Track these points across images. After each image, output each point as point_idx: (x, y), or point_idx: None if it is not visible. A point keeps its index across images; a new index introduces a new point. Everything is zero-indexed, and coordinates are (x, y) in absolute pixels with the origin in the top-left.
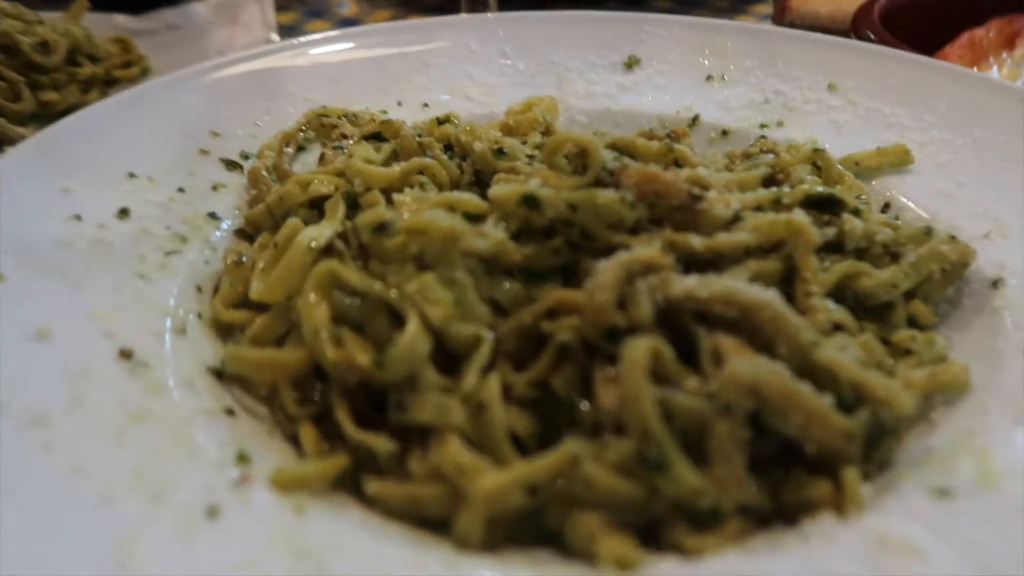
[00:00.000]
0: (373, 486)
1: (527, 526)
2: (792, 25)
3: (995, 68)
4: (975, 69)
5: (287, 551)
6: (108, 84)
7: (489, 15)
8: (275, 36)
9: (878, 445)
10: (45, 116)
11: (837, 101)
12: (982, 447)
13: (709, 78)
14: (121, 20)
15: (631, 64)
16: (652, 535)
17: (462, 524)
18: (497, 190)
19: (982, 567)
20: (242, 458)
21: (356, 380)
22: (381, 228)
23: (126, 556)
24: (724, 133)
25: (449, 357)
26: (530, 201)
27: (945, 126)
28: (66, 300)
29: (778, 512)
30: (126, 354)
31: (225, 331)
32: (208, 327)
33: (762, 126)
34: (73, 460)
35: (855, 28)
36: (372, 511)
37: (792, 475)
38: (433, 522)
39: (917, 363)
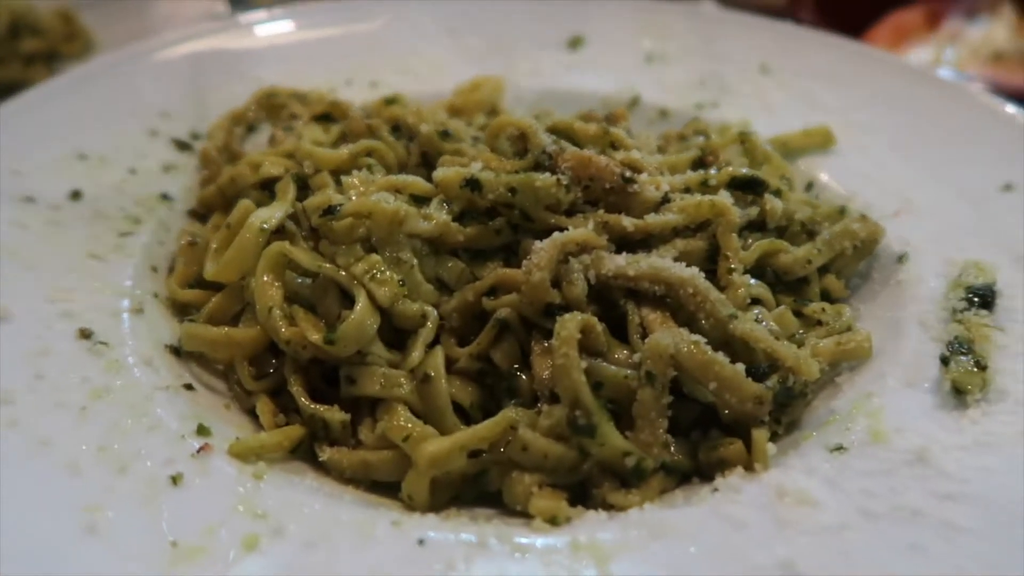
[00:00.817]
0: (326, 454)
1: (470, 488)
2: (732, 4)
3: (918, 49)
4: (899, 50)
5: (247, 514)
6: (51, 59)
7: None
8: (221, 7)
9: (787, 408)
10: None
11: (770, 83)
12: (876, 408)
13: (650, 59)
14: None
15: (575, 43)
16: (583, 493)
17: (409, 486)
18: (441, 173)
19: (865, 511)
20: (202, 430)
21: (309, 356)
22: (329, 211)
23: (95, 521)
24: (663, 114)
25: (396, 333)
26: (472, 184)
27: (867, 109)
28: (23, 282)
29: (697, 470)
30: (85, 334)
31: (181, 310)
32: (164, 306)
33: (698, 107)
34: (39, 435)
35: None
36: (326, 477)
37: (709, 437)
38: (383, 486)
39: (826, 333)
